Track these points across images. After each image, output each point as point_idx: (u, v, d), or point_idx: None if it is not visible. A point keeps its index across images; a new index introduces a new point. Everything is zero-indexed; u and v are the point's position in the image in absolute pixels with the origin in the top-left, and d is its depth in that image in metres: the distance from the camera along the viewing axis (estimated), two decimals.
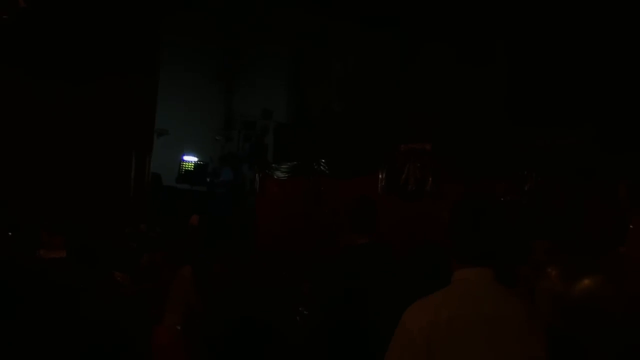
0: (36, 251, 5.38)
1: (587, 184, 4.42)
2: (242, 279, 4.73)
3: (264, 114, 11.18)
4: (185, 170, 10.54)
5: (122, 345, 4.32)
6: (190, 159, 10.85)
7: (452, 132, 6.53)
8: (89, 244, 5.62)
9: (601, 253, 2.30)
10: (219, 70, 12.55)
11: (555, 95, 5.95)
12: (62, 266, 5.17)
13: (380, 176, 6.87)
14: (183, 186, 10.41)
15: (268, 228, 8.07)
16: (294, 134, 9.58)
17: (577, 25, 5.81)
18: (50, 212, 6.35)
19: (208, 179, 10.73)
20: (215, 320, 3.97)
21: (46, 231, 5.69)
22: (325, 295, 3.57)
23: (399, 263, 3.46)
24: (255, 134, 11.29)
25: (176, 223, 4.86)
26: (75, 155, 7.49)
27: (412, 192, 6.44)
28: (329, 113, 9.42)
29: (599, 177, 4.30)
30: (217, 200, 10.42)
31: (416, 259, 4.45)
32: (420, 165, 6.42)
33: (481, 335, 1.79)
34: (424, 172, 6.36)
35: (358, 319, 3.13)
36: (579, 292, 2.03)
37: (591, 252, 2.37)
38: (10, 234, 5.66)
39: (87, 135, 7.64)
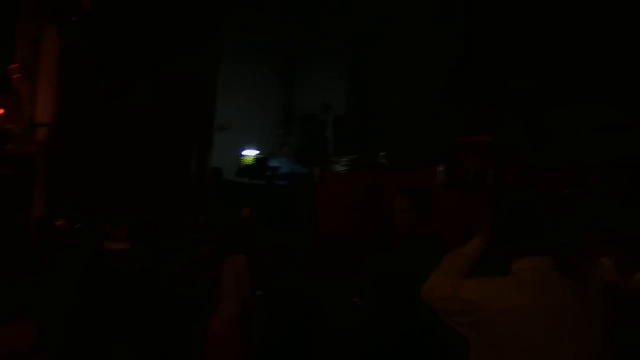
0: (102, 243, 5.60)
1: None
2: (298, 269, 4.80)
3: (324, 107, 11.20)
4: (246, 164, 10.67)
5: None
6: (250, 153, 10.97)
7: (512, 122, 6.36)
8: (152, 235, 5.84)
9: None
10: (278, 64, 12.64)
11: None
12: (129, 256, 5.42)
13: (439, 169, 6.78)
14: (243, 180, 10.54)
15: (328, 221, 8.11)
16: (353, 127, 9.57)
17: None
18: (113, 205, 6.58)
19: (268, 173, 10.82)
20: (270, 309, 4.04)
21: (110, 223, 5.92)
22: (379, 286, 3.58)
23: None
24: (315, 127, 11.31)
25: (233, 215, 4.97)
26: (138, 149, 7.70)
27: (472, 182, 6.33)
28: (388, 105, 9.34)
29: None
30: (277, 193, 10.51)
31: None
32: (481, 157, 6.31)
33: (546, 324, 1.78)
34: (485, 164, 6.24)
35: (410, 309, 3.11)
36: (633, 283, 1.98)
37: None
38: (76, 226, 5.85)
39: (150, 130, 7.84)
